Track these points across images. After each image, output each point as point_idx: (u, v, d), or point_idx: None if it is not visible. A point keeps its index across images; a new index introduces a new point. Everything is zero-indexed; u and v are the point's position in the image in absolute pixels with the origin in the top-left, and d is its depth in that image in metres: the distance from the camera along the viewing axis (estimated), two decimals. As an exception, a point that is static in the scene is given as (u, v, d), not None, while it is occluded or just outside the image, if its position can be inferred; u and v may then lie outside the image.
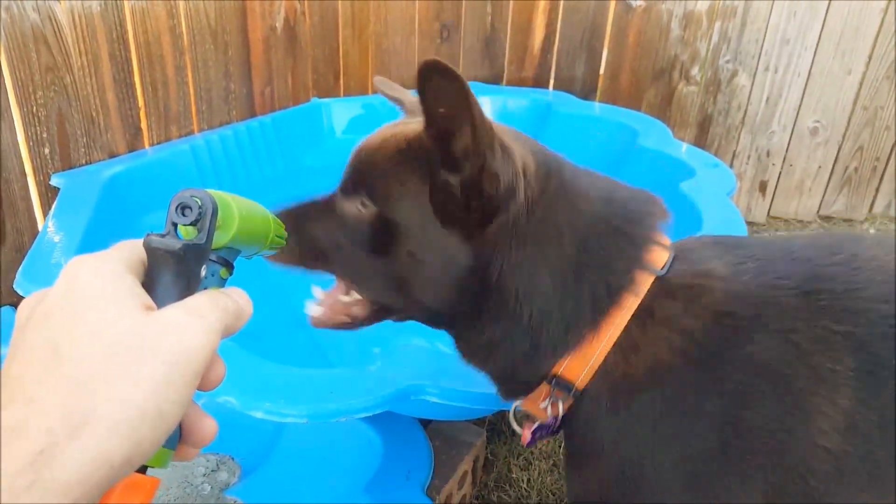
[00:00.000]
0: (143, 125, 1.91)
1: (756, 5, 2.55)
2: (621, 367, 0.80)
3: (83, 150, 1.79)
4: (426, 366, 1.16)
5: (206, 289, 0.48)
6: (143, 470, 0.42)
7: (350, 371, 1.17)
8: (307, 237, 0.88)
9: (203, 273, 0.48)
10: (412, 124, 0.85)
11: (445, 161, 0.77)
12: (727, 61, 2.65)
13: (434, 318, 0.91)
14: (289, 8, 2.14)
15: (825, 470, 0.73)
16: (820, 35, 2.53)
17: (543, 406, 0.87)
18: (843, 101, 2.61)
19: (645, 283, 0.80)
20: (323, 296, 0.96)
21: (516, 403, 0.93)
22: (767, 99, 2.68)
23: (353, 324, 0.94)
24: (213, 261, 0.50)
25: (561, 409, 0.85)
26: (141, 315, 0.42)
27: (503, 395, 0.94)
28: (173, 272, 0.45)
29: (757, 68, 2.63)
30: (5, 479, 0.35)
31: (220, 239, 0.50)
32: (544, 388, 0.86)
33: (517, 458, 1.64)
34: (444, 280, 0.82)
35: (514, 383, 0.90)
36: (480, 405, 1.13)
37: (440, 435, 1.53)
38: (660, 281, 0.80)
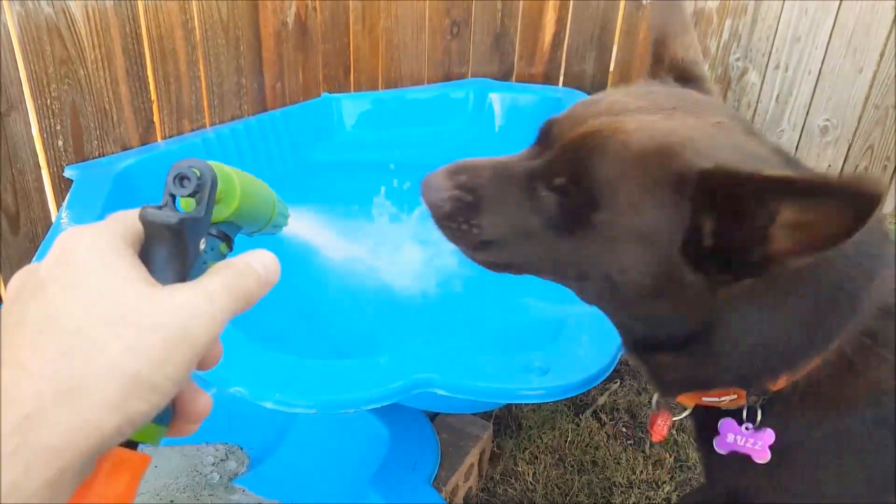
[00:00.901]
0: (156, 118, 1.93)
1: (767, 3, 2.54)
2: (833, 383, 0.78)
3: (96, 142, 1.81)
4: (435, 358, 1.18)
5: (205, 263, 0.46)
6: (133, 446, 0.41)
7: (359, 362, 1.18)
8: (484, 217, 0.78)
9: (202, 247, 0.46)
10: (679, 129, 0.73)
11: (740, 224, 0.67)
12: (737, 59, 2.65)
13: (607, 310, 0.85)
14: (300, 3, 2.15)
15: None
16: (831, 33, 2.53)
17: (713, 400, 0.85)
18: (854, 100, 2.60)
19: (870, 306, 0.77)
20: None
21: (662, 398, 0.92)
22: (777, 97, 2.67)
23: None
24: (213, 235, 0.48)
25: (758, 411, 0.83)
26: (145, 288, 0.40)
27: (662, 392, 0.91)
28: (170, 246, 0.43)
29: (767, 66, 2.63)
30: None
31: (221, 212, 0.48)
32: (732, 389, 0.83)
33: (523, 452, 1.65)
34: (646, 301, 0.76)
35: (688, 386, 0.86)
36: (488, 398, 1.15)
37: (447, 427, 1.54)
38: (880, 302, 0.77)
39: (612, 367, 1.21)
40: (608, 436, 1.73)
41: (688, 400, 0.89)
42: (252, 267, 0.46)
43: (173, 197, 0.44)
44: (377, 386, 1.08)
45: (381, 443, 1.45)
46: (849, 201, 0.58)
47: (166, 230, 0.43)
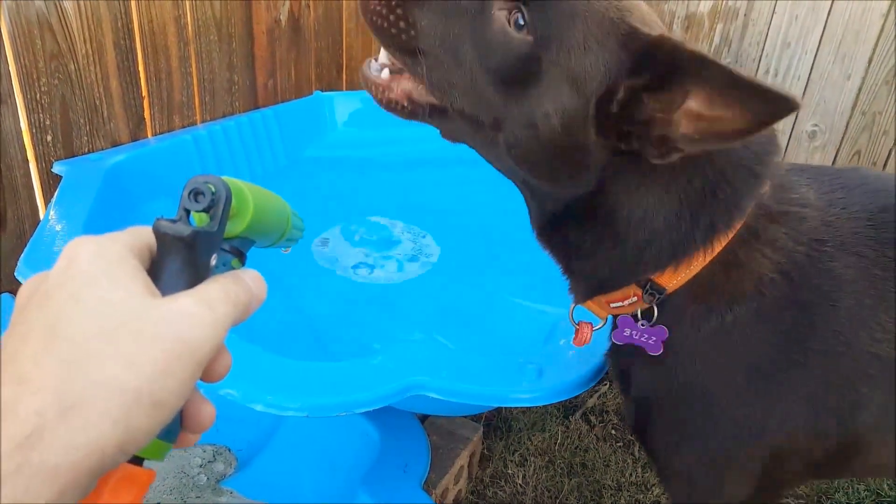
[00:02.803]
0: (147, 114, 1.91)
1: (758, 7, 2.56)
2: (722, 281, 0.86)
3: (86, 138, 1.79)
4: (426, 361, 1.17)
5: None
6: (138, 461, 0.41)
7: (351, 364, 1.18)
8: (425, 20, 0.77)
9: (213, 262, 0.46)
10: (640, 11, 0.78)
11: (656, 96, 0.73)
12: (728, 63, 2.66)
13: (508, 174, 0.89)
14: (294, 1, 2.15)
15: (873, 375, 0.84)
16: (820, 39, 2.55)
17: (618, 305, 0.92)
18: (842, 106, 2.62)
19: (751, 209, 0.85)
20: (387, 68, 0.86)
21: (578, 303, 0.98)
22: (767, 102, 2.69)
23: (404, 111, 0.87)
24: (225, 250, 0.49)
25: (650, 311, 0.90)
26: (145, 299, 0.40)
27: (577, 293, 0.97)
28: (182, 259, 0.44)
29: (757, 71, 2.64)
30: None
31: (234, 228, 0.48)
32: (631, 289, 0.90)
33: (513, 454, 1.65)
34: (549, 154, 0.80)
35: (595, 283, 0.93)
36: (480, 402, 1.15)
37: (437, 429, 1.54)
38: (761, 206, 0.86)
39: (604, 371, 1.22)
40: (598, 438, 1.73)
41: (598, 308, 0.96)
42: (245, 280, 0.47)
43: (187, 211, 0.45)
44: (369, 389, 1.08)
45: (371, 444, 1.45)
46: (763, 101, 0.64)
47: (179, 242, 0.43)
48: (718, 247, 0.84)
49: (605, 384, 1.89)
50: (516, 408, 1.74)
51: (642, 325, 0.91)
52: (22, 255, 1.36)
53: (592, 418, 1.79)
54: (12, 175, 1.65)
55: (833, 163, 2.73)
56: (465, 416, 1.61)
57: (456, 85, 0.80)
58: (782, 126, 2.70)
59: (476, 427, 1.58)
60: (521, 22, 0.75)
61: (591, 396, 1.84)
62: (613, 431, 1.76)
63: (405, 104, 0.86)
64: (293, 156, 2.26)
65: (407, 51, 0.79)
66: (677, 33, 2.64)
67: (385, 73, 0.86)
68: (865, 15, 2.47)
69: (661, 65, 0.72)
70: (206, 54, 1.99)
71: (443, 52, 0.78)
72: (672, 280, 0.87)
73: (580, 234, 0.88)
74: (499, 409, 1.75)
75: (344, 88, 2.44)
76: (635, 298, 0.90)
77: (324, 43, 2.30)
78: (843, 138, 2.68)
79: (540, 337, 1.34)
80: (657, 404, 0.97)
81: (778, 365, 0.87)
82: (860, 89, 2.58)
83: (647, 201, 0.83)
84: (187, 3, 1.89)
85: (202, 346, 0.41)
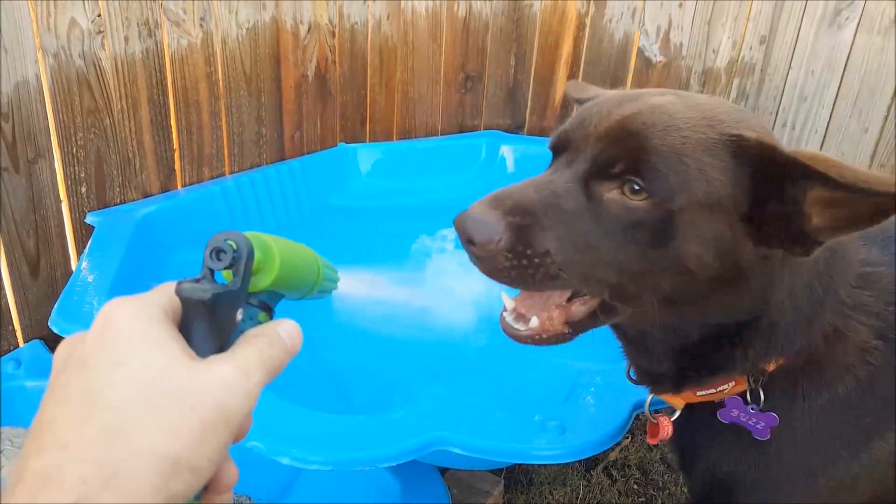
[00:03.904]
0: (177, 166, 1.97)
1: (774, 62, 2.60)
2: (827, 355, 0.84)
3: (118, 189, 1.85)
4: (449, 416, 1.18)
5: (242, 333, 0.47)
6: None
7: (374, 418, 1.19)
8: (551, 246, 0.73)
9: (239, 317, 0.46)
10: (707, 105, 0.77)
11: (780, 196, 0.73)
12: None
13: (678, 329, 0.85)
14: (321, 56, 2.22)
15: None
16: (837, 94, 2.58)
17: (708, 392, 0.88)
18: (860, 159, 2.64)
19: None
20: (525, 305, 0.82)
21: (657, 394, 0.95)
22: (785, 154, 2.71)
23: (570, 334, 0.82)
24: (252, 304, 0.49)
25: (761, 394, 0.87)
26: (184, 364, 0.41)
27: (656, 384, 0.93)
28: (206, 319, 0.44)
29: (774, 124, 2.67)
30: None
31: (260, 282, 0.48)
32: (736, 381, 0.87)
33: (533, 509, 1.64)
34: (716, 287, 0.77)
35: (697, 378, 0.88)
36: (503, 458, 1.15)
37: (458, 482, 1.54)
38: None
39: (628, 426, 1.22)
40: (619, 493, 1.72)
41: (679, 399, 0.93)
42: (281, 337, 0.47)
43: (211, 270, 0.45)
44: (393, 444, 1.09)
45: (391, 497, 1.45)
46: (869, 196, 0.65)
47: (200, 305, 0.44)
48: (821, 327, 0.83)
49: (627, 437, 1.87)
50: (538, 463, 1.73)
51: (752, 409, 0.86)
52: (55, 305, 1.40)
53: (614, 472, 1.77)
54: (47, 225, 1.70)
55: (852, 215, 2.73)
56: (486, 470, 1.60)
57: (607, 278, 0.76)
58: (800, 178, 2.72)
59: (497, 480, 1.57)
60: (636, 188, 0.73)
61: (613, 450, 1.83)
62: (636, 486, 1.75)
63: (567, 331, 0.82)
64: (318, 205, 2.30)
65: (552, 278, 0.74)
66: (694, 88, 2.69)
67: (533, 322, 0.81)
68: (882, 69, 2.50)
69: (771, 168, 0.72)
70: (235, 108, 2.05)
71: (582, 259, 0.74)
72: (774, 363, 0.85)
73: (714, 343, 0.84)
74: (520, 463, 1.74)
75: (367, 140, 2.50)
76: (734, 383, 0.87)
77: (348, 97, 2.37)
78: (861, 190, 2.69)
79: (562, 391, 1.35)
80: (749, 486, 0.92)
81: (880, 429, 0.86)
82: (878, 142, 2.60)
83: (784, 304, 0.81)
84: (219, 59, 1.96)
85: (238, 414, 0.42)
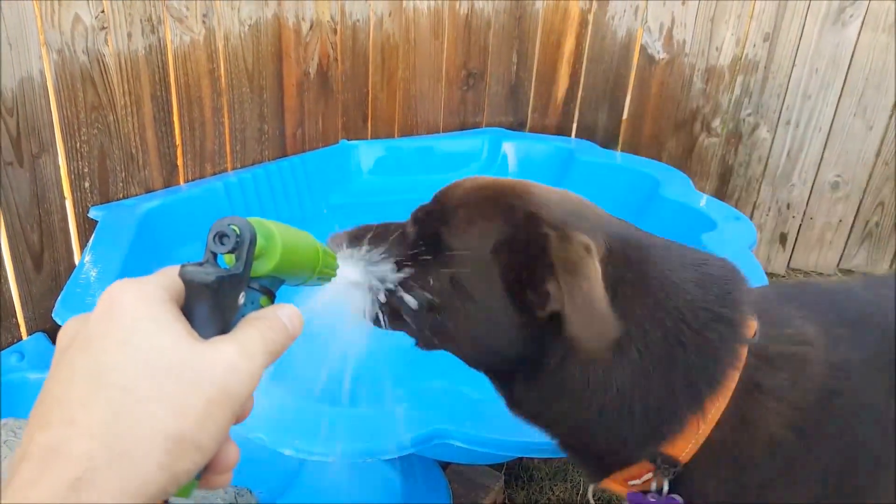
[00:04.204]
0: (180, 162, 1.98)
1: (778, 60, 2.59)
2: (731, 442, 0.80)
3: (121, 184, 1.85)
4: (450, 409, 1.18)
5: (244, 316, 0.47)
6: (164, 501, 0.42)
7: (377, 411, 1.19)
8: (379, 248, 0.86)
9: (241, 301, 0.47)
10: (514, 195, 0.84)
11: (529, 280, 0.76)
12: (749, 114, 2.69)
13: (467, 361, 0.90)
14: (322, 54, 2.22)
15: None
16: (841, 91, 2.57)
17: (637, 483, 0.85)
18: (865, 156, 2.63)
19: (743, 354, 0.79)
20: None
21: (597, 485, 0.92)
22: (788, 152, 2.71)
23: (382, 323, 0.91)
24: (254, 289, 0.49)
25: (664, 484, 0.83)
26: (189, 344, 0.42)
27: (588, 474, 0.93)
28: (209, 302, 0.44)
29: (778, 122, 2.67)
30: (47, 503, 0.36)
31: (262, 267, 0.49)
32: (644, 466, 0.84)
33: (534, 504, 1.64)
34: (483, 335, 0.82)
35: (598, 462, 0.88)
36: (505, 451, 1.15)
37: (459, 477, 1.54)
38: (756, 349, 0.80)
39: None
40: (620, 489, 1.71)
41: (618, 486, 0.89)
42: (281, 320, 0.48)
43: (214, 254, 0.46)
44: (396, 436, 1.09)
45: (392, 491, 1.45)
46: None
47: (204, 288, 0.44)
48: (712, 406, 0.78)
49: (628, 434, 1.87)
50: (538, 457, 1.73)
51: (652, 497, 0.84)
52: (59, 298, 1.41)
53: (615, 468, 1.77)
54: (50, 219, 1.71)
55: (857, 213, 2.73)
56: (487, 465, 1.60)
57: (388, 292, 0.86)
58: (804, 177, 2.72)
59: (497, 476, 1.57)
60: (419, 229, 0.86)
61: (614, 446, 1.83)
62: (636, 482, 1.75)
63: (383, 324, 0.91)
64: (319, 202, 2.31)
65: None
66: (698, 85, 2.68)
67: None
68: (886, 67, 2.50)
69: (528, 243, 0.78)
70: (238, 105, 2.06)
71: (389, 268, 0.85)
72: (682, 451, 0.80)
73: (548, 410, 0.84)
74: (520, 458, 1.74)
75: (369, 137, 2.50)
76: (650, 475, 0.84)
77: (350, 94, 2.37)
78: (865, 189, 2.69)
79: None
80: None
81: None
82: (882, 140, 2.60)
83: (606, 371, 0.77)
84: (222, 56, 1.96)
85: (241, 394, 0.43)
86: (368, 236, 0.87)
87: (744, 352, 0.79)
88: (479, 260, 0.80)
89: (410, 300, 0.83)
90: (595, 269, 0.72)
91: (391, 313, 0.86)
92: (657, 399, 0.78)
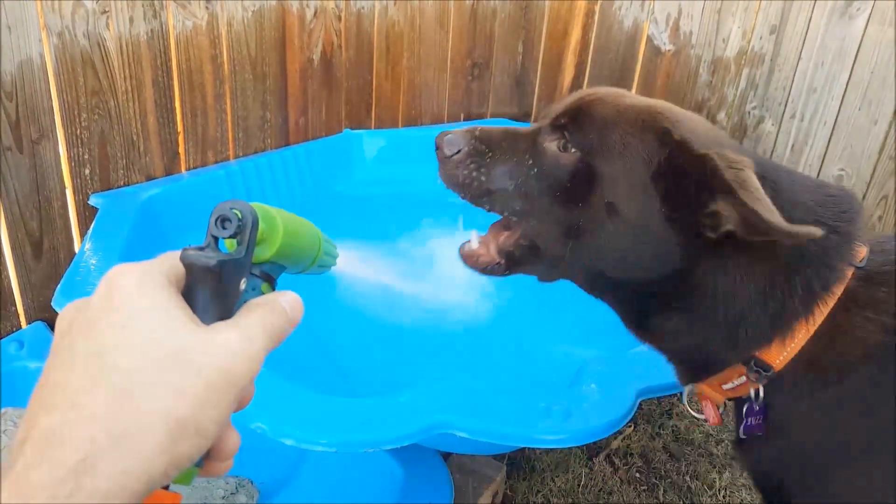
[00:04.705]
0: (181, 150, 1.96)
1: (784, 53, 2.58)
2: (830, 351, 0.82)
3: (122, 171, 1.84)
4: (453, 399, 1.18)
5: (245, 302, 0.46)
6: (165, 486, 0.42)
7: (379, 401, 1.18)
8: (490, 171, 0.89)
9: (243, 286, 0.46)
10: (660, 105, 0.87)
11: (697, 187, 0.79)
12: (754, 107, 2.67)
13: (595, 283, 0.92)
14: (326, 41, 2.20)
15: None
16: (846, 85, 2.55)
17: (730, 387, 0.89)
18: (869, 151, 2.62)
19: (849, 273, 0.83)
20: (479, 238, 0.97)
21: (692, 387, 0.95)
22: (793, 146, 2.69)
23: (500, 267, 0.94)
24: (255, 275, 0.48)
25: (758, 391, 0.87)
26: (190, 329, 0.41)
27: (682, 377, 0.96)
28: (211, 287, 0.44)
29: (783, 115, 2.65)
30: (48, 486, 0.35)
31: (263, 253, 0.48)
32: (737, 369, 0.87)
33: (536, 495, 1.64)
34: (632, 252, 0.85)
35: (699, 365, 0.92)
36: (507, 442, 1.14)
37: (460, 467, 1.54)
38: (861, 272, 0.83)
39: (633, 413, 1.21)
40: (622, 481, 1.71)
41: (713, 392, 0.94)
42: (282, 306, 0.47)
43: (215, 238, 0.45)
44: (398, 427, 1.08)
45: (394, 482, 1.44)
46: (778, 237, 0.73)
47: (205, 272, 0.44)
48: (819, 313, 0.82)
49: (630, 426, 1.87)
50: (540, 448, 1.73)
51: (757, 408, 0.88)
52: (59, 285, 1.39)
53: (616, 460, 1.77)
54: (50, 206, 1.70)
55: (860, 207, 2.71)
56: (489, 455, 1.60)
57: (533, 213, 0.89)
58: (808, 170, 2.70)
59: (499, 466, 1.56)
60: (566, 143, 0.86)
61: (616, 438, 1.82)
62: (638, 474, 1.74)
63: (500, 261, 0.94)
64: (322, 191, 2.29)
65: (487, 193, 0.91)
66: (703, 77, 2.66)
67: (474, 243, 0.97)
68: (892, 61, 2.48)
69: (686, 169, 0.80)
70: (240, 92, 2.04)
71: (511, 187, 0.89)
72: (778, 356, 0.84)
73: (676, 318, 0.88)
74: (522, 449, 1.74)
75: (372, 126, 2.48)
76: (744, 379, 0.88)
77: (354, 83, 2.35)
78: (870, 183, 2.67)
79: (566, 378, 1.34)
80: (784, 490, 0.91)
81: None
82: (887, 134, 2.58)
83: (735, 274, 0.82)
84: (224, 42, 1.94)
85: (242, 378, 0.42)
86: (496, 150, 0.89)
87: (849, 270, 0.83)
88: (638, 185, 0.82)
89: (554, 227, 0.86)
90: (755, 179, 0.76)
91: (527, 252, 0.90)
92: (777, 303, 0.82)
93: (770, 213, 0.73)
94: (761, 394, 0.87)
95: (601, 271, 0.89)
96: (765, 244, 0.79)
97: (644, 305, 0.89)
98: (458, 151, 0.90)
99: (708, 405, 0.98)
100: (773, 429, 0.88)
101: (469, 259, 0.97)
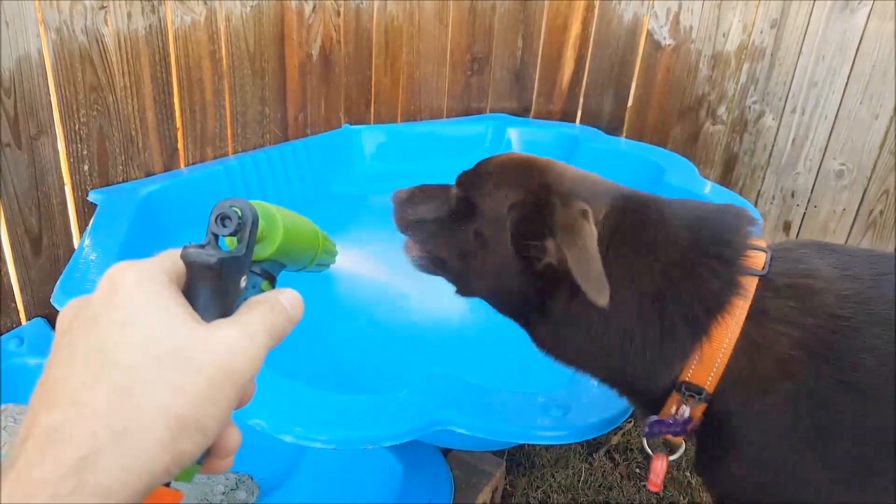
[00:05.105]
0: (180, 145, 1.96)
1: (785, 47, 2.57)
2: (748, 367, 0.86)
3: (121, 167, 1.83)
4: (453, 396, 1.18)
5: (245, 300, 0.47)
6: (166, 483, 0.42)
7: (378, 397, 1.18)
8: (417, 208, 1.08)
9: (243, 284, 0.46)
10: (535, 169, 0.99)
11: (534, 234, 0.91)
12: (754, 102, 2.67)
13: (495, 307, 1.04)
14: (325, 36, 2.19)
15: None
16: (848, 79, 2.54)
17: (674, 415, 0.93)
18: (870, 145, 2.61)
19: (750, 285, 0.86)
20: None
21: (648, 428, 0.98)
22: (793, 140, 2.68)
23: (422, 266, 1.09)
24: (255, 273, 0.49)
25: (689, 412, 0.91)
26: (190, 327, 0.41)
27: (637, 412, 1.03)
28: (211, 284, 0.44)
29: (784, 110, 2.64)
30: (50, 483, 0.35)
31: (263, 251, 0.49)
32: (674, 397, 0.91)
33: (535, 491, 1.64)
34: (500, 278, 0.97)
35: (637, 395, 0.99)
36: (507, 438, 1.14)
37: (460, 463, 1.54)
38: (764, 281, 0.86)
39: (630, 410, 1.21)
40: (622, 476, 1.71)
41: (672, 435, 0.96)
42: (282, 304, 0.47)
43: (216, 236, 0.45)
44: (397, 423, 1.08)
45: (394, 478, 1.44)
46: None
47: (206, 270, 0.44)
48: (718, 332, 0.85)
49: (630, 421, 1.87)
50: (539, 444, 1.73)
51: (671, 420, 0.92)
52: (58, 281, 1.39)
53: (616, 456, 1.77)
54: (49, 203, 1.69)
55: (861, 202, 2.71)
56: (488, 451, 1.60)
57: (436, 240, 1.06)
58: (809, 165, 2.70)
59: (499, 462, 1.56)
60: (459, 189, 1.04)
61: (616, 434, 1.82)
62: (638, 470, 1.74)
63: (422, 263, 1.10)
64: (322, 187, 2.29)
65: (406, 227, 1.10)
66: (704, 72, 2.66)
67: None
68: (893, 55, 2.47)
69: (536, 209, 0.92)
70: (239, 88, 2.03)
71: (427, 221, 1.07)
72: (706, 377, 0.87)
73: (576, 352, 0.96)
74: (522, 445, 1.74)
75: (371, 122, 2.48)
76: (685, 407, 0.91)
77: (353, 78, 2.35)
78: (870, 177, 2.66)
79: (564, 374, 1.34)
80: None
81: (859, 454, 0.83)
82: (888, 129, 2.57)
83: (605, 314, 0.87)
84: (223, 37, 1.94)
85: (243, 376, 0.42)
86: (420, 195, 1.08)
87: (750, 282, 0.86)
88: (497, 217, 0.95)
89: (447, 248, 1.02)
90: (589, 229, 0.84)
91: (434, 261, 1.05)
92: (657, 332, 0.88)
93: (580, 260, 0.82)
94: (685, 412, 0.91)
95: (488, 297, 1.03)
96: (619, 276, 0.85)
97: (536, 333, 0.99)
98: (401, 198, 1.10)
99: (654, 462, 1.01)
100: (718, 447, 0.92)
101: (406, 251, 1.12)
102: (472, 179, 1.02)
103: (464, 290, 1.06)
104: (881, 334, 0.81)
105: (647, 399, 0.96)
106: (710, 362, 0.86)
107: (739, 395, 0.87)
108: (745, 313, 0.85)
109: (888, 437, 0.80)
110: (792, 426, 0.84)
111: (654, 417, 0.93)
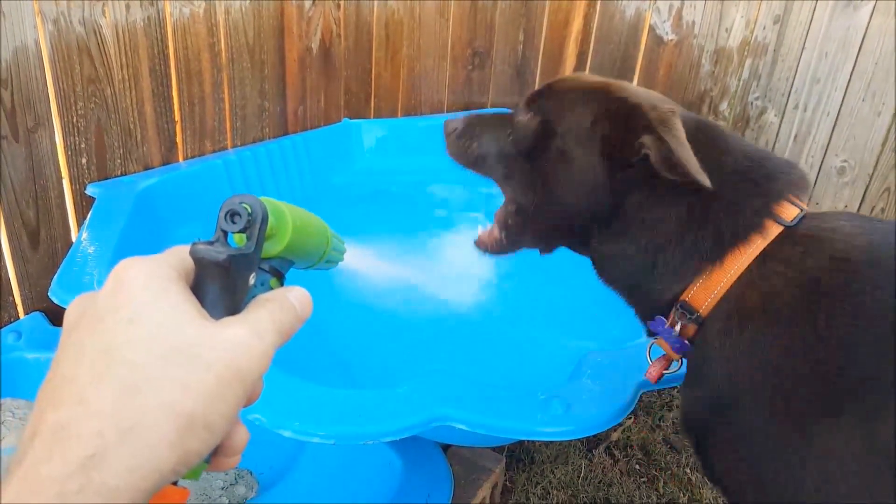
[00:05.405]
0: (179, 139, 1.94)
1: (787, 44, 2.56)
2: (737, 297, 0.90)
3: (119, 161, 1.82)
4: (453, 392, 1.17)
5: (254, 297, 0.46)
6: (174, 481, 0.41)
7: (378, 392, 1.17)
8: (480, 140, 1.10)
9: (251, 281, 0.46)
10: (612, 81, 1.04)
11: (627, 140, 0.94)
12: (756, 98, 2.66)
13: (564, 228, 1.06)
14: (325, 29, 2.18)
15: None
16: (850, 76, 2.53)
17: (672, 331, 0.97)
18: (872, 142, 2.60)
19: (773, 230, 0.90)
20: (488, 225, 1.17)
21: (652, 342, 1.06)
22: (795, 136, 2.68)
23: (505, 241, 1.13)
24: (264, 270, 0.49)
25: (679, 330, 0.95)
26: (199, 323, 0.41)
27: (640, 316, 1.06)
28: (220, 281, 0.44)
29: (786, 106, 2.63)
30: (57, 481, 0.35)
31: (272, 248, 0.49)
32: (673, 316, 0.96)
33: (535, 487, 1.63)
34: (580, 188, 1.00)
35: (644, 305, 1.03)
36: (508, 435, 1.13)
37: (460, 459, 1.53)
38: (788, 230, 0.90)
39: (633, 406, 1.20)
40: (621, 472, 1.70)
41: (668, 347, 1.00)
42: (291, 302, 0.47)
43: (225, 232, 0.45)
44: (397, 419, 1.07)
45: (394, 473, 1.44)
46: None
47: (215, 266, 0.44)
48: (730, 261, 0.90)
49: (630, 418, 1.86)
50: (540, 440, 1.72)
51: (671, 330, 0.96)
52: (55, 275, 1.38)
53: (616, 452, 1.76)
54: (47, 196, 1.68)
55: (862, 199, 2.70)
56: (488, 447, 1.59)
57: (511, 174, 1.08)
58: (810, 161, 2.69)
59: (498, 458, 1.56)
60: (533, 113, 1.05)
61: (616, 430, 1.82)
62: (637, 466, 1.73)
63: (501, 235, 1.13)
64: (321, 181, 2.28)
65: (480, 160, 1.12)
66: (706, 67, 2.64)
67: (480, 231, 1.17)
68: (896, 53, 2.46)
69: (628, 122, 0.96)
70: (238, 81, 2.02)
71: (496, 153, 1.09)
72: (704, 301, 0.92)
73: (612, 244, 1.00)
74: (521, 441, 1.73)
75: (371, 116, 2.47)
76: (680, 324, 0.95)
77: (353, 71, 2.33)
78: (872, 175, 2.66)
79: (566, 370, 1.33)
80: (705, 433, 0.97)
81: (806, 396, 0.80)
82: (890, 126, 2.56)
83: (657, 207, 0.94)
84: (222, 30, 1.92)
85: (251, 374, 0.42)
86: (480, 126, 1.11)
87: (773, 226, 0.90)
88: (580, 133, 0.99)
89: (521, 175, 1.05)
90: (680, 124, 0.90)
91: (511, 230, 1.10)
92: (689, 241, 0.93)
93: (680, 146, 0.87)
94: (677, 327, 0.96)
95: (561, 213, 1.04)
96: (686, 185, 0.89)
97: (591, 235, 1.03)
98: (456, 129, 1.13)
99: (654, 364, 1.07)
100: (698, 373, 0.95)
101: (480, 244, 1.15)
102: (548, 103, 1.04)
103: (543, 221, 1.07)
104: (881, 277, 0.80)
105: (645, 303, 1.02)
106: (712, 287, 0.91)
107: (722, 323, 0.91)
108: (758, 251, 0.89)
109: (848, 384, 0.78)
110: (759, 363, 0.86)
111: (661, 317, 0.98)
